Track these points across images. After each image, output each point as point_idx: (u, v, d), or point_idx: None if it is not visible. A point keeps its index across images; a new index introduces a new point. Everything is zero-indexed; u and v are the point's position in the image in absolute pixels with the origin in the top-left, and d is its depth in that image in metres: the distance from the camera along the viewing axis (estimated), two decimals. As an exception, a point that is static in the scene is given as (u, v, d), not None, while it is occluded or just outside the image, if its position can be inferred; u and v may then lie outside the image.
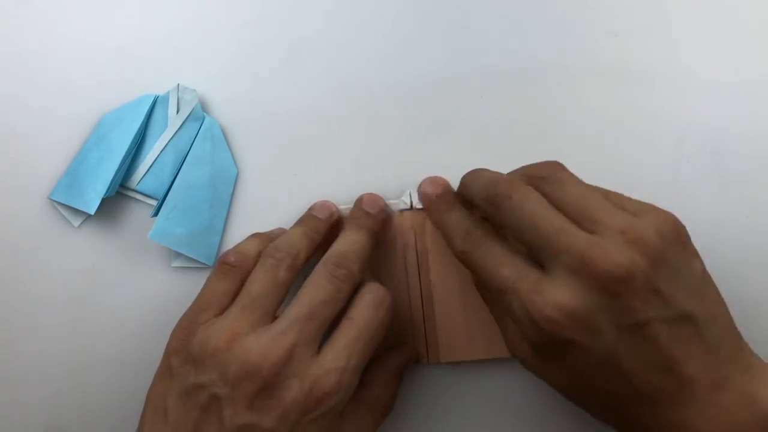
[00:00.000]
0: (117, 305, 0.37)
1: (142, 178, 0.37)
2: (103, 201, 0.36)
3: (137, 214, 0.38)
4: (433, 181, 0.35)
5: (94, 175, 0.36)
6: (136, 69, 0.38)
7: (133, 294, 0.37)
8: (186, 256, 0.37)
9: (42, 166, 0.38)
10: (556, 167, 0.31)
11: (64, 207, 0.37)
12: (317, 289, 0.31)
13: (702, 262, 0.30)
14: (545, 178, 0.30)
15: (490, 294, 0.34)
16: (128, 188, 0.37)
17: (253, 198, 0.38)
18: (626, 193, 0.36)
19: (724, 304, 0.30)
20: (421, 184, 0.35)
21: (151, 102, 0.37)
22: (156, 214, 0.37)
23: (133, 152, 0.37)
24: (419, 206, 0.36)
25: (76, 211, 0.37)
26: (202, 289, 0.33)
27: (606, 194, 0.31)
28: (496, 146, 0.37)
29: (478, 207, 0.32)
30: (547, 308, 0.27)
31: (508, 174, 0.32)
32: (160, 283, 0.37)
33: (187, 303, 0.37)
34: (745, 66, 0.37)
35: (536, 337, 0.28)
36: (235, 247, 0.34)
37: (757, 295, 0.36)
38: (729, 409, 0.27)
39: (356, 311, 0.31)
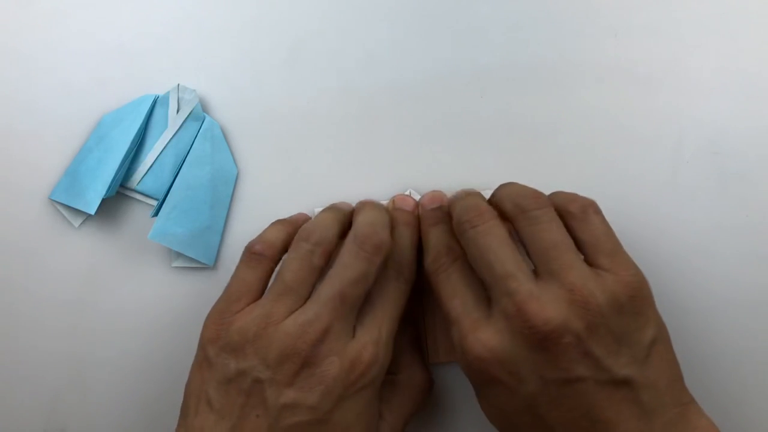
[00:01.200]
0: (117, 305, 0.37)
1: (142, 179, 0.37)
2: (103, 201, 0.36)
3: (137, 214, 0.38)
4: (433, 196, 0.35)
5: (94, 175, 0.36)
6: (137, 69, 0.38)
7: (133, 294, 0.37)
8: (186, 256, 0.37)
9: (42, 166, 0.38)
10: (542, 202, 0.31)
11: (64, 207, 0.37)
12: (347, 268, 0.31)
13: (656, 329, 0.30)
14: (529, 213, 0.31)
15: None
16: (128, 188, 0.37)
17: (253, 198, 0.38)
18: (626, 193, 0.37)
19: (674, 368, 0.30)
20: (422, 198, 0.36)
21: (151, 102, 0.37)
22: (156, 214, 0.37)
23: (133, 152, 0.37)
24: None
25: (76, 211, 0.37)
26: (232, 280, 0.33)
27: (592, 224, 0.31)
28: (496, 146, 0.37)
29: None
30: (477, 346, 0.29)
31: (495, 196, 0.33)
32: (160, 283, 0.37)
33: (188, 303, 0.37)
34: (746, 66, 0.37)
35: (467, 370, 0.30)
36: (260, 235, 0.34)
37: (757, 296, 0.36)
38: None
39: (379, 284, 0.32)
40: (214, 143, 0.37)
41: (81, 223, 0.38)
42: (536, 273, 0.30)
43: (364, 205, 0.35)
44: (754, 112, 0.37)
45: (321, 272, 0.32)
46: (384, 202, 0.36)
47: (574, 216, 0.31)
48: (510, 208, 0.31)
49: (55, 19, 0.38)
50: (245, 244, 0.37)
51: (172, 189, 0.37)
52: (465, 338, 0.30)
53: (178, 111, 0.37)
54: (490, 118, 0.37)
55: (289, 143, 0.38)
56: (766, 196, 0.37)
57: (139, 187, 0.37)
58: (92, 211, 0.36)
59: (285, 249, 0.33)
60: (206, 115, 0.38)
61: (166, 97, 0.38)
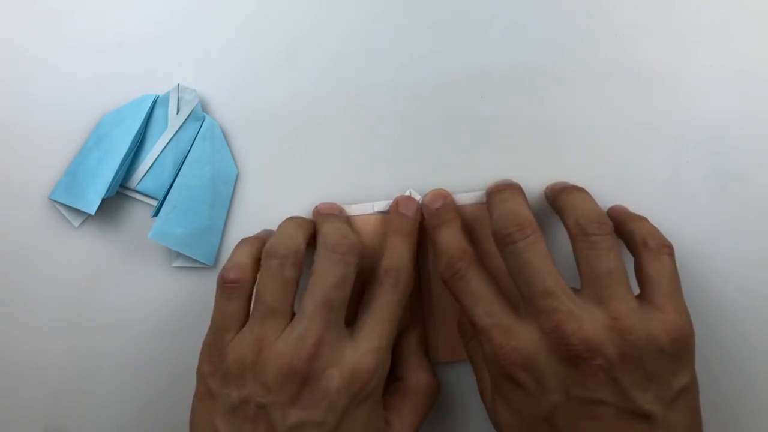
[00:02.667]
0: (117, 305, 0.37)
1: (142, 178, 0.37)
2: (103, 201, 0.36)
3: (137, 214, 0.38)
4: (436, 194, 0.36)
5: (94, 175, 0.36)
6: (137, 69, 0.38)
7: (133, 294, 0.37)
8: (186, 256, 0.37)
9: (42, 166, 0.38)
10: (605, 228, 0.31)
11: (64, 207, 0.37)
12: (325, 275, 0.31)
13: (690, 380, 0.30)
14: (590, 237, 0.31)
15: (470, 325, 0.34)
16: (128, 188, 0.37)
17: (253, 198, 0.38)
18: (626, 193, 0.37)
19: (696, 422, 0.30)
20: (424, 197, 0.36)
21: (151, 102, 0.37)
22: (156, 214, 0.37)
23: (133, 152, 0.37)
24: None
25: (76, 211, 0.37)
26: (214, 313, 0.33)
27: (659, 274, 0.31)
28: (496, 146, 0.37)
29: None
30: (510, 350, 0.30)
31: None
32: (160, 283, 0.37)
33: (188, 303, 0.37)
34: (746, 66, 0.37)
35: (495, 371, 0.31)
36: (229, 260, 0.34)
37: (757, 295, 0.36)
38: None
39: (375, 293, 0.33)
40: (214, 143, 0.37)
41: (81, 223, 0.38)
42: (581, 291, 0.30)
43: (323, 216, 0.35)
44: (754, 112, 0.37)
45: (296, 282, 0.32)
46: (384, 204, 0.36)
47: (649, 250, 0.32)
48: (571, 225, 0.32)
49: (55, 19, 0.38)
50: (245, 244, 0.37)
51: (172, 189, 0.37)
52: (499, 346, 0.30)
53: (178, 111, 0.37)
54: (490, 118, 0.37)
55: (289, 143, 0.38)
56: (766, 196, 0.37)
57: (139, 187, 0.37)
58: (92, 211, 0.36)
59: (257, 267, 0.33)
60: (206, 115, 0.38)
61: (166, 97, 0.38)
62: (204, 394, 0.32)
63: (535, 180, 0.37)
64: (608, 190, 0.36)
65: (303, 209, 0.37)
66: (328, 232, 0.33)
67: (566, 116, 0.37)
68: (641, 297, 0.31)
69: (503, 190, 0.34)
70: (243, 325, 0.32)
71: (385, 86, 0.38)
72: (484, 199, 0.36)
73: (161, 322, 0.37)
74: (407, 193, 0.37)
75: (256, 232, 0.37)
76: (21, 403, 0.37)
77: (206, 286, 0.37)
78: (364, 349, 0.31)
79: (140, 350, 0.37)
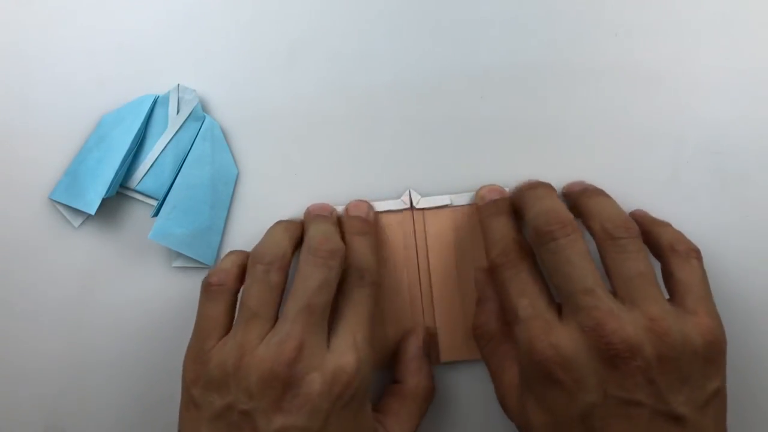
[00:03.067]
0: (117, 305, 0.37)
1: (142, 179, 0.37)
2: (103, 201, 0.36)
3: (137, 214, 0.38)
4: (492, 188, 0.36)
5: (95, 175, 0.36)
6: (137, 69, 0.38)
7: (133, 294, 0.37)
8: (186, 256, 0.37)
9: (42, 166, 0.38)
10: (632, 231, 0.32)
11: (64, 207, 0.37)
12: (307, 279, 0.31)
13: (722, 384, 0.30)
14: (617, 240, 0.31)
15: (505, 317, 0.34)
16: (128, 188, 0.37)
17: (253, 198, 0.38)
18: (626, 193, 0.37)
19: (724, 422, 0.30)
20: (480, 189, 0.36)
21: (151, 102, 0.37)
22: (156, 214, 0.37)
23: (133, 152, 0.37)
24: (419, 206, 0.36)
25: (76, 211, 0.37)
26: (197, 317, 0.33)
27: (689, 277, 0.32)
28: (496, 146, 0.37)
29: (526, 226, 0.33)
30: (548, 347, 0.29)
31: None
32: (160, 283, 0.37)
33: (187, 303, 0.37)
34: (745, 66, 0.37)
35: (530, 368, 0.30)
36: (213, 268, 0.34)
37: (757, 295, 0.36)
38: None
39: (344, 293, 0.33)
40: (214, 143, 0.37)
41: (81, 223, 0.38)
42: (615, 296, 0.30)
43: (311, 218, 0.35)
44: (754, 112, 0.37)
45: (282, 288, 0.32)
46: (386, 203, 0.36)
47: (678, 255, 0.32)
48: (598, 229, 0.32)
49: (55, 19, 0.38)
50: (245, 244, 0.37)
51: (172, 189, 0.37)
52: (537, 338, 0.30)
53: (178, 111, 0.37)
54: (490, 118, 0.37)
55: (289, 143, 0.38)
56: (766, 196, 0.37)
57: (139, 187, 0.37)
58: (92, 211, 0.36)
59: (242, 275, 0.33)
60: (206, 115, 0.38)
61: (166, 97, 0.38)
62: (188, 402, 0.32)
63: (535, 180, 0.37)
64: (608, 189, 0.36)
65: (303, 209, 0.37)
66: (312, 234, 0.33)
67: (566, 116, 0.37)
68: (672, 301, 0.31)
69: (537, 188, 0.34)
70: (226, 331, 0.32)
71: (385, 86, 0.38)
72: (449, 202, 0.36)
73: (161, 322, 0.37)
74: (406, 193, 0.37)
75: (255, 232, 0.37)
76: (21, 403, 0.37)
77: (206, 286, 0.37)
78: (341, 349, 0.31)
79: (140, 350, 0.37)
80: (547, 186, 0.35)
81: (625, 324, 0.29)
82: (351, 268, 0.33)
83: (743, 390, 0.36)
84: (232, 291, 0.33)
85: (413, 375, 0.35)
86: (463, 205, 0.36)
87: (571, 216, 0.32)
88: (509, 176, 0.37)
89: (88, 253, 0.38)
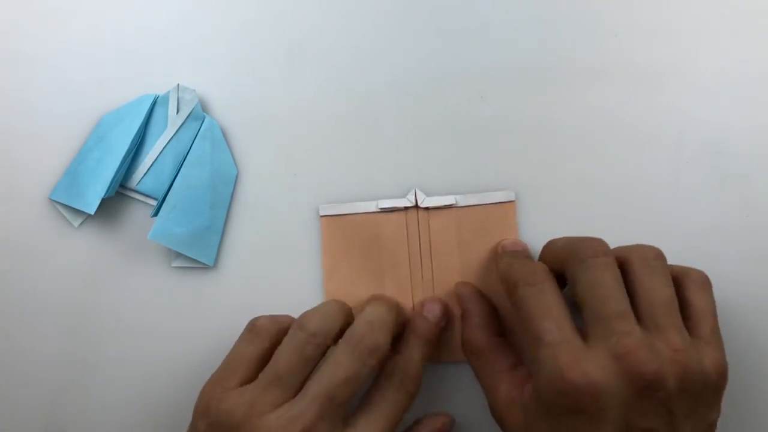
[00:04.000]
0: (117, 305, 0.37)
1: (142, 178, 0.37)
2: (103, 201, 0.36)
3: (137, 214, 0.38)
4: (515, 242, 0.36)
5: (94, 175, 0.36)
6: (136, 69, 0.38)
7: (133, 294, 0.37)
8: (186, 256, 0.37)
9: (42, 166, 0.38)
10: (657, 254, 0.32)
11: (64, 207, 0.37)
12: (338, 367, 0.31)
13: (718, 413, 0.30)
14: (649, 261, 0.31)
15: (521, 337, 0.34)
16: (128, 188, 0.37)
17: (253, 198, 0.38)
18: (626, 193, 0.37)
19: None
20: (504, 241, 0.36)
21: (151, 102, 0.37)
22: (156, 214, 0.37)
23: (133, 152, 0.37)
24: (424, 205, 0.37)
25: (76, 211, 0.37)
26: (232, 350, 0.33)
27: (706, 306, 0.32)
28: (496, 146, 0.37)
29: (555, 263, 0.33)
30: (580, 375, 0.28)
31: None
32: (160, 283, 0.37)
33: (188, 303, 0.37)
34: (746, 66, 0.37)
35: (554, 395, 0.29)
36: (269, 315, 0.34)
37: (757, 296, 0.36)
38: None
39: (380, 390, 0.32)
40: (214, 143, 0.37)
41: (81, 223, 0.38)
42: (639, 320, 0.30)
43: (372, 300, 0.34)
44: (754, 112, 0.37)
45: (315, 363, 0.32)
46: (389, 202, 0.36)
47: (694, 281, 0.32)
48: (625, 254, 0.31)
49: (55, 19, 0.38)
50: (245, 244, 0.37)
51: (172, 189, 0.37)
52: (568, 367, 0.28)
53: (177, 111, 0.37)
54: (490, 117, 0.37)
55: (289, 143, 0.38)
56: (766, 196, 0.37)
57: (139, 187, 0.37)
58: (92, 211, 0.36)
59: (287, 330, 0.33)
60: (206, 115, 0.38)
61: (166, 97, 0.38)
62: (192, 430, 0.32)
63: (535, 180, 0.37)
64: (609, 190, 0.36)
65: (303, 209, 0.37)
66: (359, 322, 0.32)
67: (566, 116, 0.37)
68: (687, 328, 0.31)
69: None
70: (248, 376, 0.32)
71: (385, 86, 0.38)
72: (453, 202, 0.36)
73: (161, 322, 0.37)
74: (412, 192, 0.37)
75: (255, 232, 0.37)
76: (21, 403, 0.37)
77: (206, 286, 0.37)
78: None
79: (140, 350, 0.37)
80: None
81: (655, 355, 0.28)
82: (397, 368, 0.33)
83: (740, 390, 0.36)
84: (273, 343, 0.33)
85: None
86: (467, 206, 0.36)
87: (602, 242, 0.32)
88: (510, 176, 0.37)
89: (88, 253, 0.38)
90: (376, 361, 0.31)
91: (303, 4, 0.38)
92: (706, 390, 0.29)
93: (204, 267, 0.37)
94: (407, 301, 0.36)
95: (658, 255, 0.31)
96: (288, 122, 0.38)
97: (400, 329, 0.34)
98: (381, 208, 0.36)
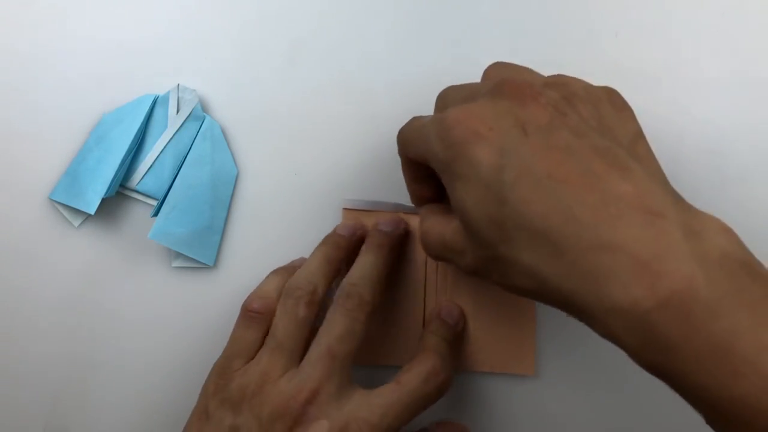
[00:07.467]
0: (117, 305, 0.37)
1: (142, 178, 0.37)
2: (103, 201, 0.36)
3: (137, 214, 0.38)
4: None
5: (94, 175, 0.36)
6: (137, 69, 0.38)
7: (133, 294, 0.37)
8: (186, 256, 0.37)
9: (42, 166, 0.38)
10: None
11: (64, 207, 0.37)
12: (333, 325, 0.32)
13: (638, 127, 0.28)
14: (491, 66, 0.31)
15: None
16: (128, 188, 0.37)
17: (253, 198, 0.38)
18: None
19: (661, 170, 0.28)
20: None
21: (151, 102, 0.37)
22: (156, 214, 0.37)
23: (133, 152, 0.37)
24: None
25: (76, 211, 0.37)
26: (232, 336, 0.34)
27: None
28: (496, 146, 0.37)
29: None
30: (455, 111, 0.27)
31: None
32: (160, 283, 0.37)
33: (188, 303, 0.37)
34: (746, 66, 0.37)
35: (444, 142, 0.27)
36: (256, 290, 0.35)
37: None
38: (671, 236, 0.23)
39: (406, 377, 0.32)
40: (214, 143, 0.37)
41: (81, 223, 0.38)
42: None
43: (362, 251, 0.35)
44: (754, 112, 0.37)
45: (310, 322, 0.33)
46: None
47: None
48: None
49: (55, 18, 0.38)
50: (245, 244, 0.37)
51: (172, 189, 0.37)
52: (443, 114, 0.27)
53: (178, 111, 0.37)
54: (490, 118, 0.37)
55: (289, 143, 0.38)
56: (765, 197, 0.37)
57: (139, 187, 0.37)
58: (92, 211, 0.36)
59: (278, 298, 0.34)
60: (206, 115, 0.38)
61: (166, 97, 0.38)
62: (201, 411, 0.32)
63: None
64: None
65: (303, 209, 0.37)
66: (347, 278, 0.33)
67: (566, 116, 0.37)
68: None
69: None
70: (253, 356, 0.33)
71: (385, 85, 0.38)
72: None
73: (161, 322, 0.37)
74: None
75: (256, 232, 0.37)
76: (21, 403, 0.37)
77: (206, 286, 0.37)
78: (362, 416, 0.30)
79: (140, 350, 0.37)
80: None
81: (527, 78, 0.28)
82: (431, 352, 0.33)
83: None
84: (268, 319, 0.33)
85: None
86: None
87: None
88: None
89: (88, 253, 0.38)
90: (365, 314, 0.32)
91: (303, 4, 0.38)
92: (599, 104, 0.27)
93: (204, 267, 0.37)
94: (419, 305, 0.36)
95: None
96: (288, 122, 0.38)
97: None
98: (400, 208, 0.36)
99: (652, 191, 0.25)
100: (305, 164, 0.38)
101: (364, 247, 0.35)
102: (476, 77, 0.37)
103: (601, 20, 0.38)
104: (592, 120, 0.27)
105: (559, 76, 0.29)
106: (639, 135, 0.28)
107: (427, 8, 0.38)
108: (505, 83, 0.27)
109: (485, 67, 0.38)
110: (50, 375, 0.37)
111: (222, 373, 0.33)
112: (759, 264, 0.25)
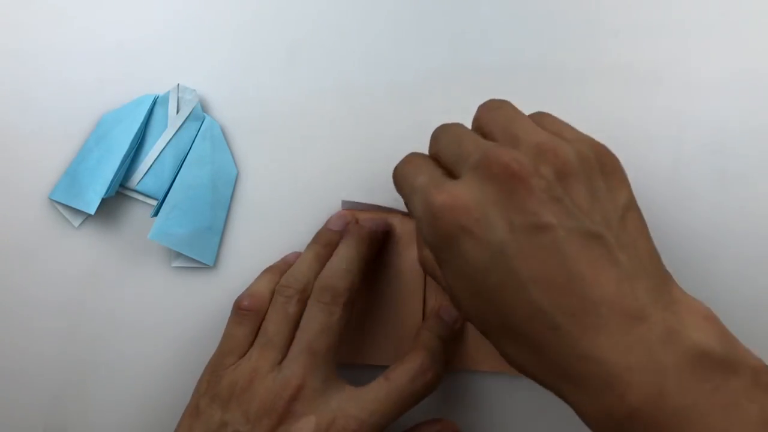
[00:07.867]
0: (117, 305, 0.37)
1: (142, 178, 0.37)
2: (103, 201, 0.36)
3: (137, 214, 0.38)
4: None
5: (94, 175, 0.36)
6: (137, 69, 0.38)
7: (133, 294, 0.37)
8: (186, 256, 0.37)
9: (42, 166, 0.38)
10: (499, 102, 0.30)
11: (64, 207, 0.37)
12: (310, 321, 0.33)
13: (629, 195, 0.28)
14: (481, 112, 0.30)
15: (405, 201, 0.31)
16: (128, 188, 0.37)
17: (253, 198, 0.38)
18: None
19: (650, 240, 0.28)
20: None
21: (151, 102, 0.37)
22: (156, 214, 0.37)
23: (133, 152, 0.37)
24: None
25: (76, 211, 0.37)
26: (224, 335, 0.34)
27: (548, 119, 0.30)
28: (496, 146, 0.37)
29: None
30: (442, 196, 0.26)
31: None
32: (160, 283, 0.37)
33: (188, 303, 0.37)
34: (746, 66, 0.37)
35: (431, 231, 0.27)
36: (248, 288, 0.35)
37: (757, 296, 0.36)
38: (647, 343, 0.24)
39: (395, 374, 0.32)
40: (214, 143, 0.37)
41: (81, 223, 0.38)
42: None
43: (347, 239, 0.35)
44: (755, 111, 0.37)
45: (299, 318, 0.33)
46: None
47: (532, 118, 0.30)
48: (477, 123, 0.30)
49: (55, 19, 0.38)
50: (245, 244, 0.37)
51: (172, 189, 0.37)
52: (431, 194, 0.27)
53: (178, 111, 0.37)
54: (490, 118, 0.37)
55: (289, 143, 0.38)
56: (766, 196, 0.37)
57: (139, 187, 0.37)
58: (92, 211, 0.36)
59: (270, 296, 0.35)
60: (206, 115, 0.38)
61: (166, 97, 0.38)
62: (193, 409, 0.33)
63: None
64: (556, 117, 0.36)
65: (303, 209, 0.37)
66: (323, 273, 0.34)
67: (566, 116, 0.37)
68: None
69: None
70: (244, 353, 0.33)
71: (385, 85, 0.38)
72: None
73: (161, 322, 0.37)
74: None
75: (256, 232, 0.37)
76: (20, 403, 0.37)
77: (206, 286, 0.37)
78: (350, 413, 0.31)
79: (140, 350, 0.37)
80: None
81: (515, 151, 0.26)
82: (421, 351, 0.33)
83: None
84: (260, 317, 0.34)
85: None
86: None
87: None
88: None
89: (88, 253, 0.38)
90: (340, 307, 0.32)
91: (303, 4, 0.38)
92: (591, 171, 0.27)
93: (204, 267, 0.37)
94: (419, 305, 0.36)
95: (498, 102, 0.30)
96: (288, 122, 0.38)
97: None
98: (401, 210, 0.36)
99: (633, 291, 0.25)
100: (305, 164, 0.38)
101: (341, 242, 0.35)
102: (476, 77, 0.37)
103: (601, 20, 0.38)
104: (584, 202, 0.26)
105: (547, 119, 0.29)
106: (629, 207, 0.28)
107: (427, 8, 0.38)
108: (493, 164, 0.26)
109: (485, 67, 0.38)
110: (50, 375, 0.37)
111: (214, 370, 0.33)
112: (738, 353, 0.26)
